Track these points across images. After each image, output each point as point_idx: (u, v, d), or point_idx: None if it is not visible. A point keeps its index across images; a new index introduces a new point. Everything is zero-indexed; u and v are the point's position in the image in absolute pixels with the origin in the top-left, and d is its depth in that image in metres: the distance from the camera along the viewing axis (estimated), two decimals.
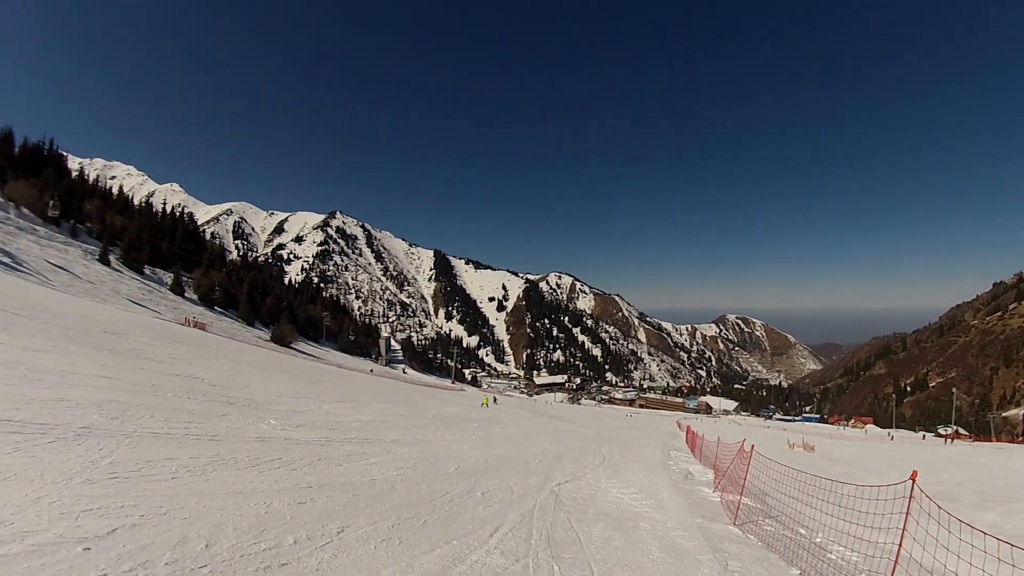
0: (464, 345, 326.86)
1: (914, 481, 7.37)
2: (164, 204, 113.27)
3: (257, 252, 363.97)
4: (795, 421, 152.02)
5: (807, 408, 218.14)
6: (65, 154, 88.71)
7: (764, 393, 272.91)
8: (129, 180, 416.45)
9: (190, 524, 6.30)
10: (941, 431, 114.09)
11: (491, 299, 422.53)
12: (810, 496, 10.02)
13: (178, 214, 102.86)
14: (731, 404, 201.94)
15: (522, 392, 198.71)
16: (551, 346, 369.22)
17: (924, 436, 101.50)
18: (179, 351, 25.73)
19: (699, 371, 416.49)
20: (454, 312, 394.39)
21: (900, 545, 7.46)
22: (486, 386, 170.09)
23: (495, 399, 65.18)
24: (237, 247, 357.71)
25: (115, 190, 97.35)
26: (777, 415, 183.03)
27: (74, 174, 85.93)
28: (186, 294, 70.22)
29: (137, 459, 8.22)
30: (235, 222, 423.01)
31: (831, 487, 9.45)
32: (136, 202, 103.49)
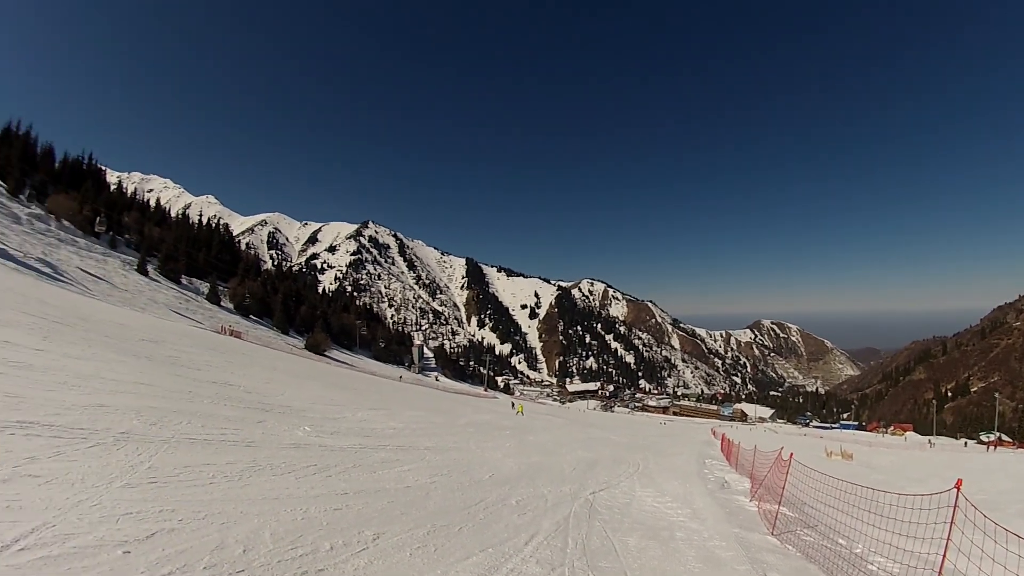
0: (497, 353, 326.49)
1: (959, 490, 7.13)
2: (200, 216, 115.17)
3: (291, 262, 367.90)
4: (832, 428, 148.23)
5: (845, 415, 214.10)
6: (104, 168, 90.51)
7: (800, 400, 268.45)
8: (166, 193, 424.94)
9: (228, 529, 6.34)
10: (983, 438, 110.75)
11: (523, 306, 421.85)
12: (849, 505, 9.77)
13: (214, 225, 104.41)
14: (767, 411, 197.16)
15: (554, 400, 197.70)
16: (584, 353, 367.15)
17: (966, 443, 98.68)
18: (215, 359, 26.04)
19: (734, 378, 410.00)
20: (486, 320, 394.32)
21: (944, 556, 7.23)
22: (518, 393, 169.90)
23: (513, 404, 64.96)
24: (272, 257, 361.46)
25: (152, 202, 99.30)
26: (814, 422, 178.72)
27: (113, 187, 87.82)
28: (222, 303, 71.12)
29: (175, 464, 8.29)
30: (269, 232, 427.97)
31: (871, 496, 9.22)
32: (173, 214, 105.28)
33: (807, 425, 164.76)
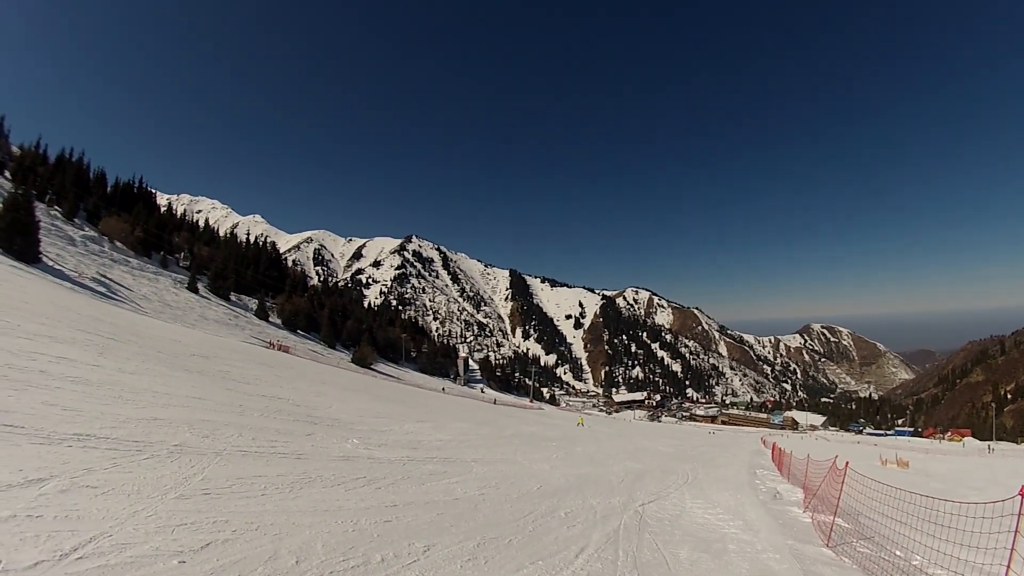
0: (542, 364, 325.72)
1: (1023, 497, 6.81)
2: (248, 235, 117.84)
3: (337, 277, 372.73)
4: (887, 435, 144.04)
5: (900, 421, 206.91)
6: (154, 191, 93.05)
7: (853, 406, 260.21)
8: (214, 213, 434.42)
9: (280, 540, 6.36)
10: None
11: (568, 317, 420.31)
12: (906, 515, 9.43)
13: (261, 243, 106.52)
14: (818, 419, 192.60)
15: (601, 410, 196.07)
16: (629, 363, 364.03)
17: None
18: (264, 373, 26.44)
19: (784, 385, 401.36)
20: (531, 331, 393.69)
21: (1008, 567, 6.92)
22: (564, 404, 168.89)
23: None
24: (318, 273, 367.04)
25: (201, 223, 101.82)
26: (868, 429, 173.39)
27: (163, 209, 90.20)
28: (270, 319, 72.28)
29: (228, 476, 8.38)
30: (315, 249, 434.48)
31: (929, 505, 8.87)
32: (221, 233, 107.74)
33: (860, 432, 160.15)
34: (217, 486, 7.78)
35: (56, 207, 60.58)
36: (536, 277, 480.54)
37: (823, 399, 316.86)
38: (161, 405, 12.00)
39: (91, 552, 4.94)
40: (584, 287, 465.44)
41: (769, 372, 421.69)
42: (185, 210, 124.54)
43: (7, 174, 58.96)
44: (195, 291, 62.38)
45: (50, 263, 41.19)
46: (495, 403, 70.81)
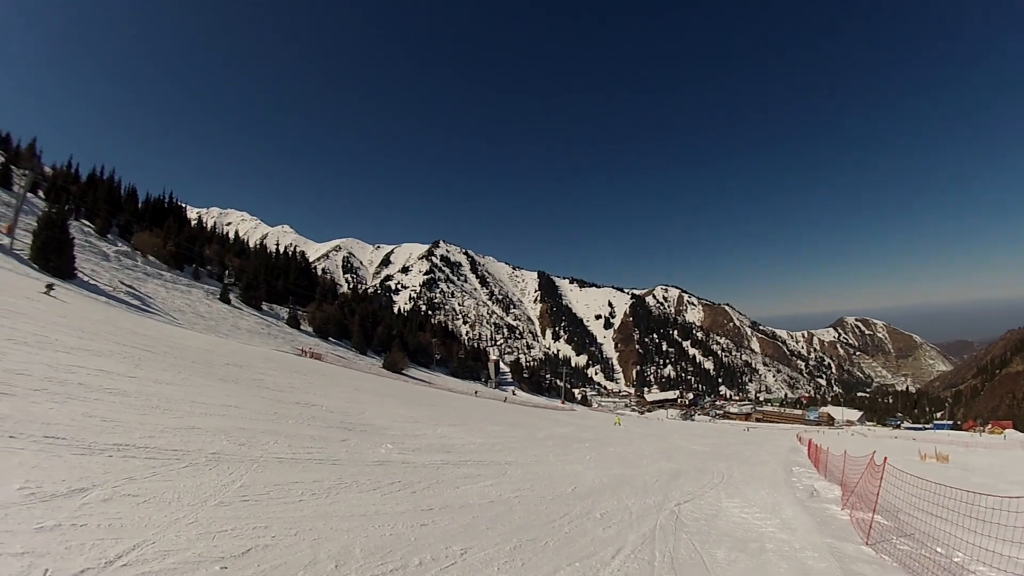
0: (573, 365, 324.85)
1: None
2: (277, 245, 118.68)
3: (366, 284, 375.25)
4: (925, 429, 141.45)
5: (938, 414, 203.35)
6: (184, 205, 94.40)
7: (890, 400, 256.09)
8: (243, 225, 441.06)
9: (319, 545, 6.42)
10: None
11: (597, 317, 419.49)
12: (947, 511, 9.31)
13: (290, 253, 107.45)
14: (854, 414, 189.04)
15: (633, 410, 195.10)
16: (661, 361, 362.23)
17: None
18: (297, 380, 26.66)
19: (818, 380, 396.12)
20: (561, 332, 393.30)
21: None
22: (596, 405, 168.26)
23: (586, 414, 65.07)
24: (347, 280, 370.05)
25: (231, 235, 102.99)
26: (905, 423, 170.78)
27: (193, 223, 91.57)
28: (301, 327, 72.93)
29: (265, 483, 8.47)
30: (344, 257, 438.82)
31: (970, 500, 8.73)
32: (251, 244, 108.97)
33: (898, 427, 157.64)
34: (255, 493, 7.87)
35: (89, 224, 61.71)
36: (564, 278, 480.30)
37: (859, 393, 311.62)
38: (198, 414, 12.14)
39: (135, 559, 5.02)
40: (613, 287, 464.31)
41: (803, 367, 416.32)
42: (215, 223, 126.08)
43: (41, 194, 60.14)
44: (227, 302, 63.18)
45: (85, 278, 41.95)
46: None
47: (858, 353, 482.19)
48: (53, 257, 38.47)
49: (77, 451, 7.66)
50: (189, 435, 10.12)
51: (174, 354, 22.31)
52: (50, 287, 30.74)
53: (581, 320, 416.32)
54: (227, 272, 75.11)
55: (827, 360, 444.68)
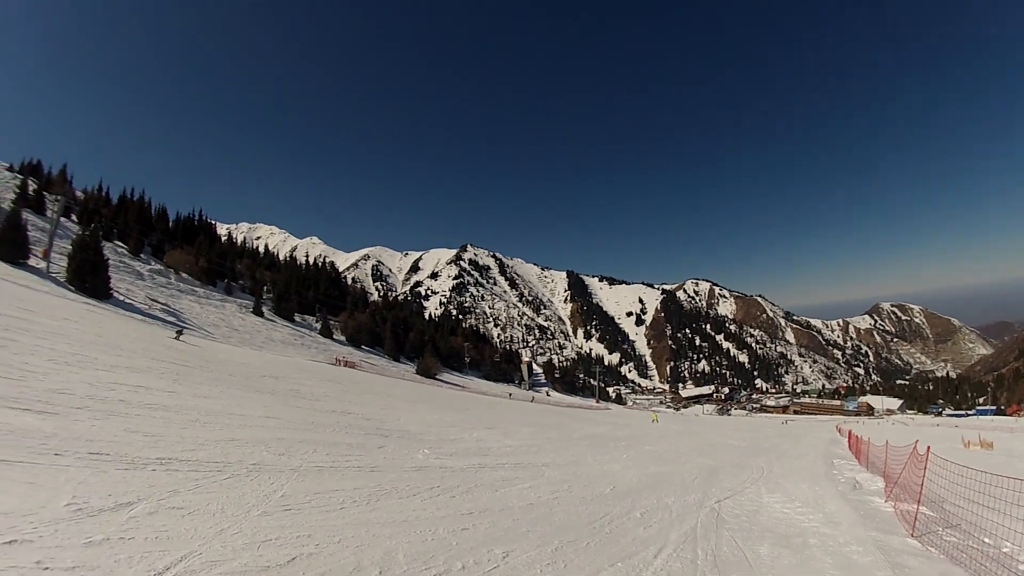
0: (606, 363, 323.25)
1: None
2: (306, 257, 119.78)
3: (396, 291, 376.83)
4: (968, 416, 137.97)
5: (980, 399, 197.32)
6: (213, 222, 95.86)
7: (930, 387, 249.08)
8: (272, 239, 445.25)
9: (362, 552, 6.46)
10: None
11: (629, 314, 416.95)
12: (994, 500, 9.06)
13: (320, 264, 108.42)
14: (894, 402, 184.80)
15: (668, 406, 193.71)
16: (695, 356, 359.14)
17: None
18: (333, 389, 26.92)
19: (856, 369, 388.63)
20: (592, 331, 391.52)
21: None
22: (631, 403, 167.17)
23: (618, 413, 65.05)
24: (377, 288, 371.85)
25: (261, 249, 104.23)
26: (947, 410, 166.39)
27: (223, 239, 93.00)
28: (334, 336, 73.38)
29: (306, 491, 8.56)
30: (373, 265, 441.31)
31: (1017, 488, 8.50)
32: (281, 257, 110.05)
33: (940, 414, 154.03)
34: (297, 502, 7.96)
35: (122, 244, 62.84)
36: (594, 276, 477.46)
37: (898, 381, 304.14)
38: (237, 426, 12.31)
39: (183, 571, 5.09)
40: (643, 283, 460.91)
41: (840, 357, 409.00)
42: (244, 237, 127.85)
43: (74, 218, 61.40)
44: (260, 315, 63.87)
45: (121, 297, 42.69)
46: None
47: (895, 340, 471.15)
48: (88, 278, 39.23)
49: (121, 466, 7.80)
50: (229, 447, 10.26)
51: (211, 368, 22.64)
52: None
53: (612, 318, 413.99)
54: (265, 288, 76.00)
55: (864, 348, 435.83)
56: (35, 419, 8.91)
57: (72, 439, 8.39)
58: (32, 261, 40.05)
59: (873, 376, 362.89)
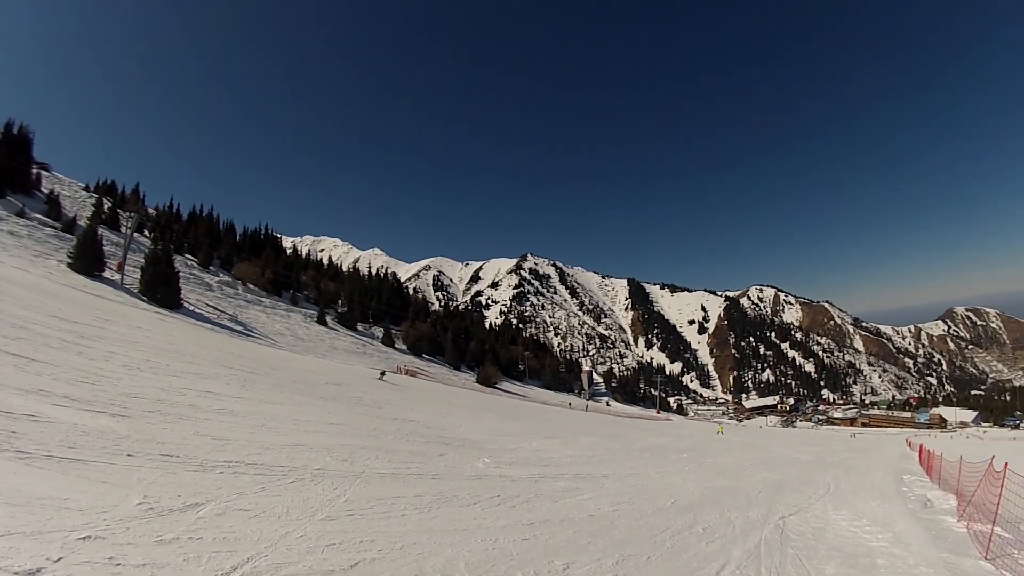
0: (667, 372, 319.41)
1: None
2: (369, 268, 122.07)
3: (457, 301, 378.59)
4: None
5: None
6: (279, 236, 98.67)
7: (1007, 397, 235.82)
8: (336, 251, 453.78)
9: (424, 559, 6.48)
10: None
11: (691, 322, 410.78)
12: None
13: (382, 275, 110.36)
14: (969, 414, 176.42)
15: (731, 417, 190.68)
16: (759, 366, 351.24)
17: None
18: (394, 397, 27.24)
19: (928, 379, 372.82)
20: (654, 340, 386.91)
21: None
22: (692, 413, 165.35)
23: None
24: (438, 298, 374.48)
25: (325, 261, 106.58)
26: None
27: (288, 251, 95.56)
28: (396, 345, 74.48)
29: (368, 497, 8.65)
30: (434, 276, 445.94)
31: None
32: (344, 269, 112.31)
33: (1017, 427, 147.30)
34: (360, 507, 8.04)
35: (192, 258, 65.04)
36: (655, 284, 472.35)
37: (973, 392, 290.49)
38: (301, 432, 12.54)
39: (249, 571, 5.18)
40: (705, 290, 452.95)
41: (911, 365, 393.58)
42: (309, 250, 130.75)
43: (147, 233, 63.79)
44: (324, 324, 65.20)
45: (191, 307, 44.08)
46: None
47: (970, 347, 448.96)
48: (160, 290, 40.68)
49: (190, 468, 8.01)
50: (294, 452, 10.45)
51: (276, 375, 23.15)
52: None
53: (674, 326, 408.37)
54: (340, 301, 77.75)
55: (937, 356, 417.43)
56: (110, 421, 9.23)
57: (144, 441, 8.66)
58: (107, 274, 41.65)
59: (946, 386, 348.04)
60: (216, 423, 11.23)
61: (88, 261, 39.86)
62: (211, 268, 65.54)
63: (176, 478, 7.40)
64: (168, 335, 26.48)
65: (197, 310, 44.51)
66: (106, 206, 62.67)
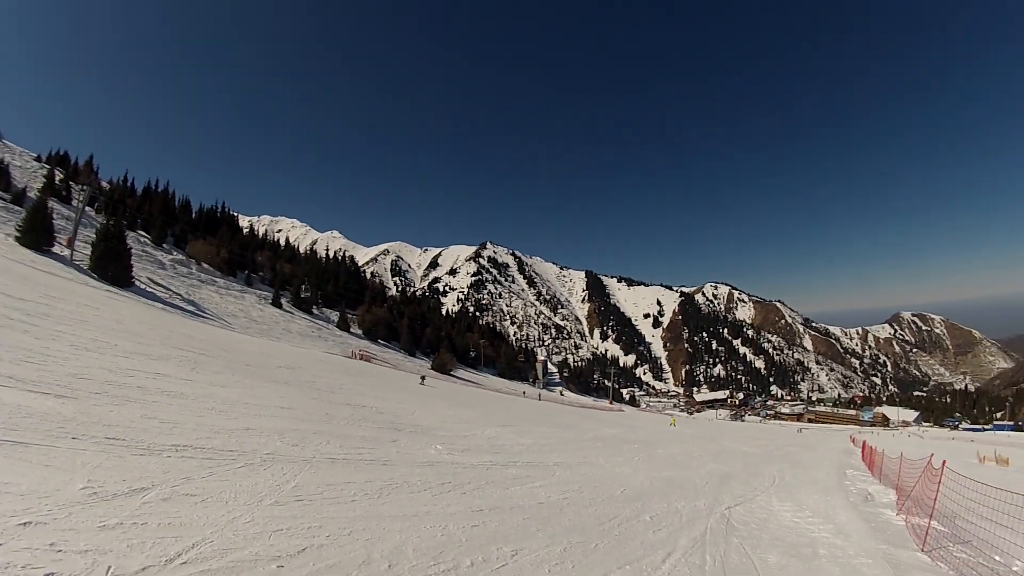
0: (621, 364, 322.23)
1: None
2: (327, 250, 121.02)
3: (414, 287, 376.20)
4: (985, 430, 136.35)
5: (999, 414, 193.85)
6: (236, 214, 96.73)
7: (948, 399, 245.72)
8: (293, 232, 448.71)
9: (372, 545, 6.50)
10: None
11: (646, 316, 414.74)
12: (1007, 517, 9.04)
13: (340, 258, 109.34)
14: (911, 414, 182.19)
15: (682, 410, 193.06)
16: (711, 360, 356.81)
17: None
18: (348, 382, 27.09)
19: (873, 379, 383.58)
20: (609, 332, 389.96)
21: None
22: (644, 405, 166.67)
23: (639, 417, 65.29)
24: (395, 283, 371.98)
25: (282, 241, 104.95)
26: (964, 424, 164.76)
27: (245, 231, 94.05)
28: (351, 329, 73.80)
29: (318, 482, 8.63)
30: (392, 260, 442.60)
31: None
32: (301, 250, 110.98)
33: (956, 428, 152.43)
34: (309, 492, 8.02)
35: (145, 234, 63.53)
36: (612, 277, 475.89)
37: (916, 393, 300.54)
38: (252, 416, 12.41)
39: (195, 557, 5.14)
40: (662, 284, 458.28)
41: (857, 366, 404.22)
42: (266, 230, 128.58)
43: (99, 207, 62.11)
44: (279, 306, 64.34)
45: (142, 286, 43.11)
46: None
47: (915, 350, 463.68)
48: (111, 266, 39.67)
49: (137, 452, 7.89)
50: (244, 436, 10.35)
51: (228, 357, 22.85)
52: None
53: (629, 319, 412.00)
54: (304, 286, 76.68)
55: (882, 358, 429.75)
56: (54, 403, 9.03)
57: (90, 424, 8.50)
58: (57, 249, 40.55)
59: (890, 386, 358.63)
60: (165, 406, 11.06)
61: (37, 235, 38.81)
62: (164, 246, 64.15)
63: (122, 462, 7.28)
64: (118, 314, 25.91)
65: (149, 289, 43.58)
66: (58, 178, 61.03)
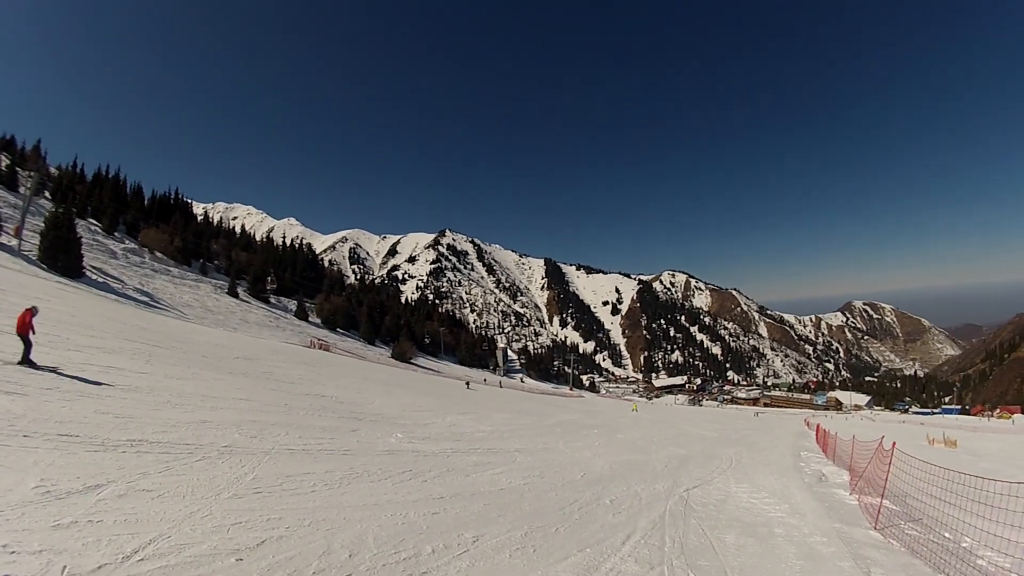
0: (580, 351, 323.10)
1: None
2: (283, 238, 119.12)
3: (373, 275, 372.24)
4: (934, 414, 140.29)
5: (946, 399, 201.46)
6: (190, 201, 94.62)
7: (898, 385, 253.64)
8: (249, 219, 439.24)
9: (333, 535, 6.51)
10: None
11: (605, 303, 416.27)
12: (955, 496, 9.26)
13: (297, 246, 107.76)
14: (863, 398, 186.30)
15: (641, 396, 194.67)
16: (669, 347, 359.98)
17: None
18: (307, 372, 26.85)
19: (826, 364, 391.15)
20: (568, 319, 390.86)
21: None
22: (604, 391, 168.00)
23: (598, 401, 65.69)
24: (354, 272, 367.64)
25: (237, 229, 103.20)
26: (913, 408, 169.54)
27: (199, 218, 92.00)
28: (310, 318, 73.08)
29: (277, 474, 8.58)
30: (350, 248, 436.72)
31: (978, 485, 8.70)
32: (257, 238, 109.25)
33: (906, 411, 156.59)
34: (268, 484, 7.98)
35: (96, 223, 61.93)
36: (571, 265, 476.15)
37: (867, 378, 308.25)
38: (209, 408, 12.27)
39: (152, 554, 5.11)
40: (620, 272, 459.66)
41: (811, 352, 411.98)
42: (221, 217, 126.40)
43: (47, 195, 60.33)
44: (235, 296, 63.39)
45: (94, 277, 42.11)
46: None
47: (866, 337, 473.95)
48: (61, 257, 38.62)
49: (91, 448, 7.78)
50: (201, 429, 10.24)
51: (184, 349, 22.49)
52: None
53: (588, 307, 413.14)
54: (269, 279, 75.48)
55: (835, 344, 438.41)
56: (4, 400, 8.85)
57: (41, 420, 8.35)
58: (3, 239, 39.40)
59: (843, 372, 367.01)
60: (119, 400, 10.88)
61: None
62: (116, 234, 62.62)
63: (76, 459, 7.18)
64: (69, 306, 25.28)
65: (100, 279, 42.60)
66: (4, 164, 59.13)
